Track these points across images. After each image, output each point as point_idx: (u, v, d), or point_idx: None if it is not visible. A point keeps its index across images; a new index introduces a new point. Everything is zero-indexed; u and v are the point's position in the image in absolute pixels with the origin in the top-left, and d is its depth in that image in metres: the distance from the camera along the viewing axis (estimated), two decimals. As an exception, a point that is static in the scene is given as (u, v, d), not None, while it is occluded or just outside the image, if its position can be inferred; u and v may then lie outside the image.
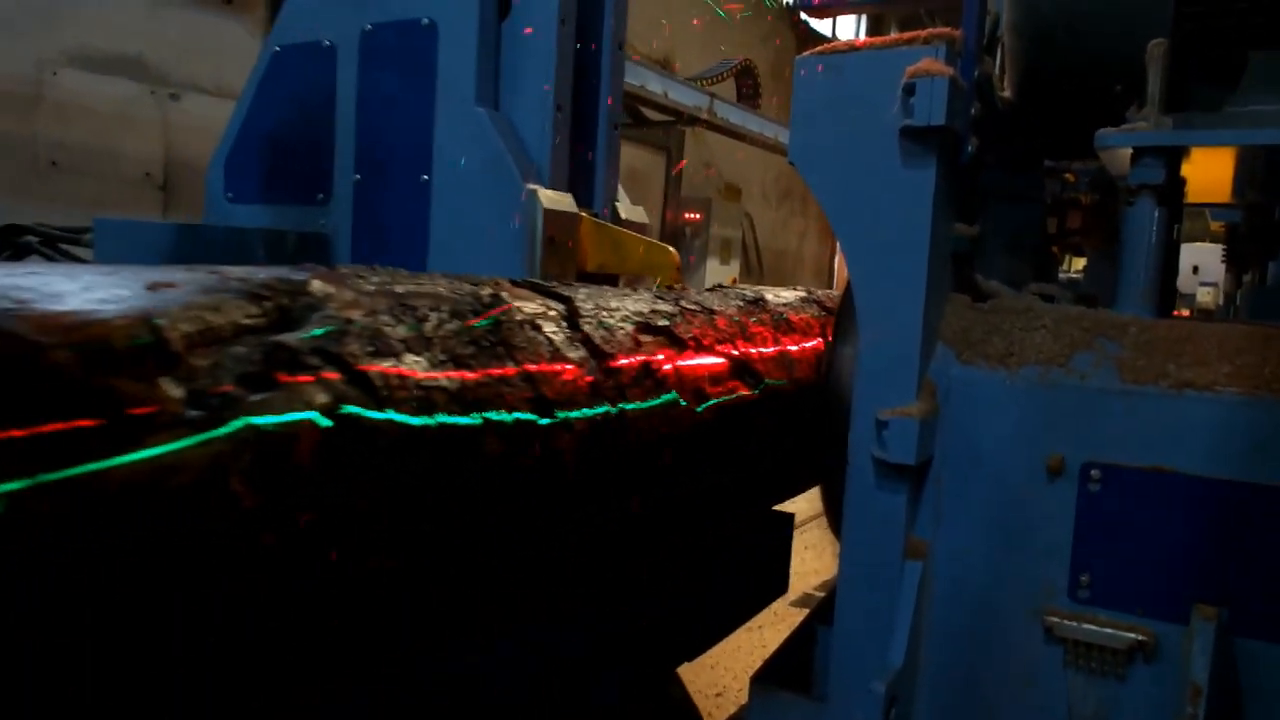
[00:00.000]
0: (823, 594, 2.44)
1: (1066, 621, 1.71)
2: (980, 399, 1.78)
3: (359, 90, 2.45)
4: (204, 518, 0.88)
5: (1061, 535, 1.72)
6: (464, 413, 1.19)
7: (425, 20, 2.31)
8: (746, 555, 2.57)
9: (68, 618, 0.79)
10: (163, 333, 0.92)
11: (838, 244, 2.70)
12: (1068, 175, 2.96)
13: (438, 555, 1.20)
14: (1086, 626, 1.70)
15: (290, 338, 1.05)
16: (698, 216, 12.67)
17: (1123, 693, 1.69)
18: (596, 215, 2.47)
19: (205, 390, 0.92)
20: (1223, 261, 4.63)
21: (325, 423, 1.00)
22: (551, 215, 2.23)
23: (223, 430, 0.91)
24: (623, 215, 2.68)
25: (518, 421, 1.28)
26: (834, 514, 2.08)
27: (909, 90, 1.71)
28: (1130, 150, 1.88)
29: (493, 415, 1.24)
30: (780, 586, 2.79)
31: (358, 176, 2.48)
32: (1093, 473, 1.70)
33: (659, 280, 2.68)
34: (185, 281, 1.04)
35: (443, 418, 1.15)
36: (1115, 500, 1.68)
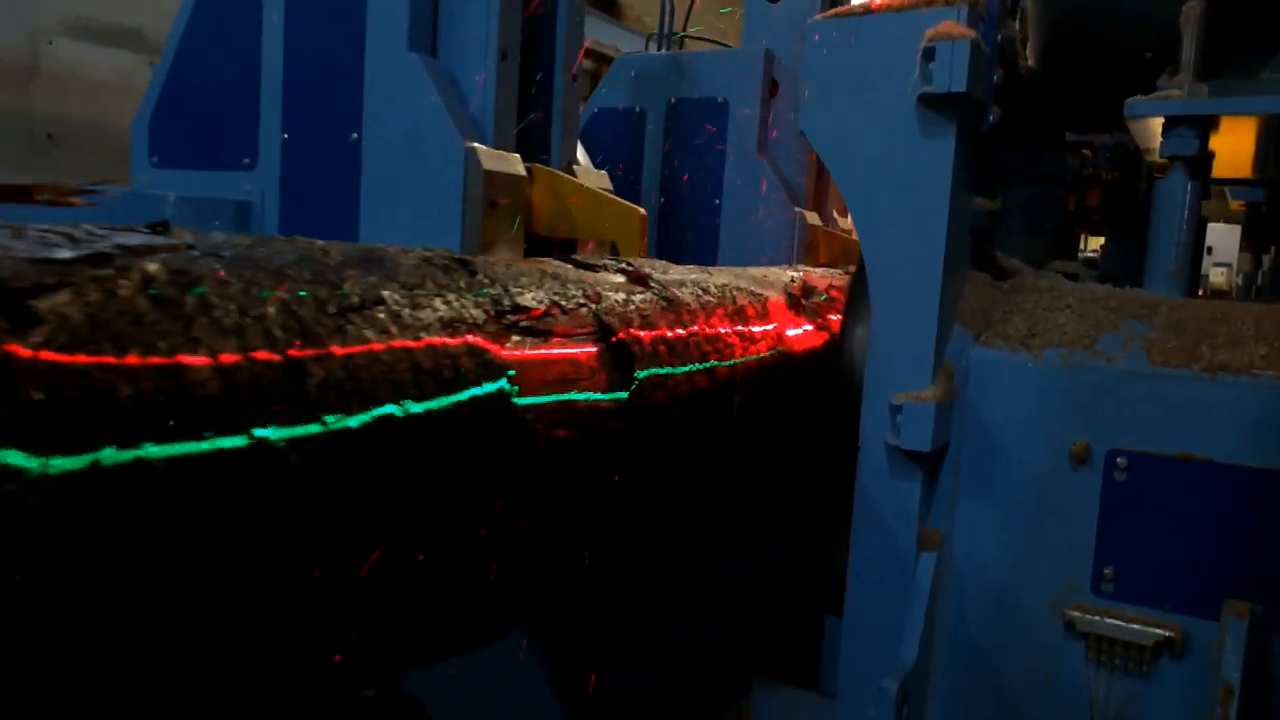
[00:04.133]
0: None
1: (1089, 616, 1.62)
2: (1000, 382, 1.69)
3: (664, 142, 3.56)
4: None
5: (1085, 526, 1.63)
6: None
7: (720, 98, 3.43)
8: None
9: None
10: (765, 302, 1.94)
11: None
12: (1085, 151, 2.85)
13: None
14: (1110, 621, 1.61)
15: (814, 299, 2.16)
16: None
17: (1148, 691, 1.60)
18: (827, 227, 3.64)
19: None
20: (1243, 246, 4.52)
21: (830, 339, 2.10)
22: (810, 229, 3.36)
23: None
24: (841, 226, 3.82)
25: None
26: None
27: (928, 55, 1.61)
28: (1160, 121, 1.78)
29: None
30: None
31: (663, 199, 3.58)
32: (1119, 460, 1.61)
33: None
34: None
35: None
36: (1143, 490, 1.59)
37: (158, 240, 0.83)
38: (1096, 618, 1.62)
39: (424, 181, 2.03)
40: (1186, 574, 1.58)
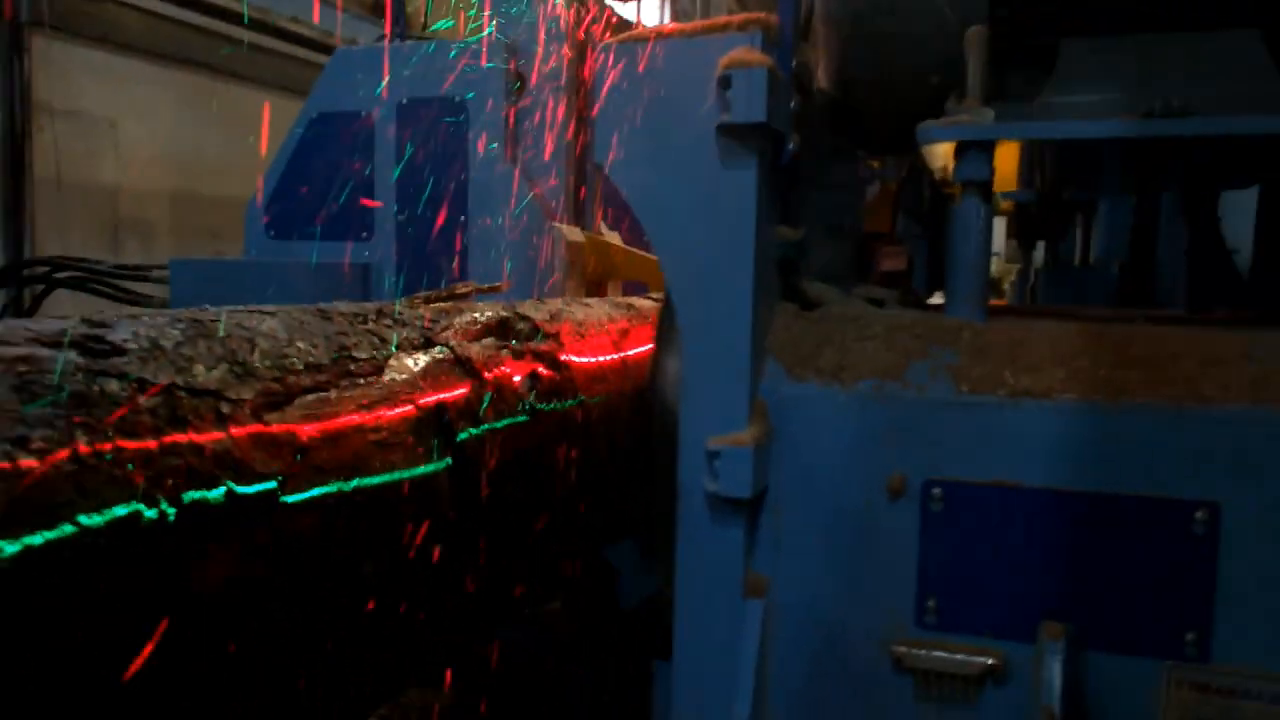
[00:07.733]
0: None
1: (915, 650, 1.60)
2: (814, 418, 1.64)
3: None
4: None
5: (906, 559, 1.61)
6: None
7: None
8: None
9: None
10: None
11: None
12: (873, 163, 2.90)
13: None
14: (936, 654, 1.59)
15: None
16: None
17: (976, 719, 1.60)
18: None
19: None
20: (1018, 237, 4.82)
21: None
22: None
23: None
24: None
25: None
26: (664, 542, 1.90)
27: (724, 83, 1.54)
28: (944, 144, 1.78)
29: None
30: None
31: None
32: (934, 491, 1.59)
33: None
34: None
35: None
36: (959, 519, 1.59)
37: None
38: (922, 651, 1.60)
39: (522, 250, 2.97)
40: (1004, 599, 1.58)
